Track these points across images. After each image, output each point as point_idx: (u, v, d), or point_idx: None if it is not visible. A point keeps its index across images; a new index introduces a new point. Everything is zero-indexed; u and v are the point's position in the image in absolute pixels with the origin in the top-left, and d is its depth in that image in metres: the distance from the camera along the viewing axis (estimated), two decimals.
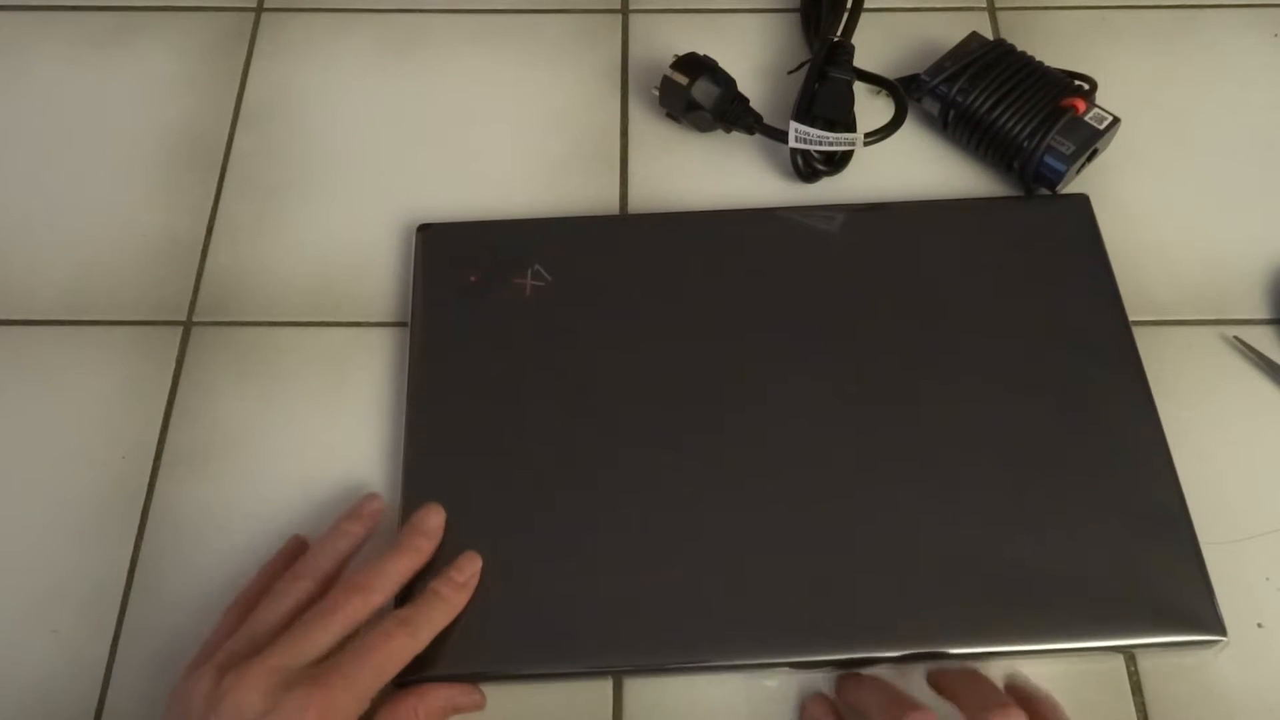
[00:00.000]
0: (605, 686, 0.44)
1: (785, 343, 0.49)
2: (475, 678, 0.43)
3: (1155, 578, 0.43)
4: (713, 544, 0.44)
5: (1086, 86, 0.55)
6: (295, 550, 0.45)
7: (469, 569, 0.43)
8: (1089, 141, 0.52)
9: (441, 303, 0.50)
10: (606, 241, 0.52)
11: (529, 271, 0.50)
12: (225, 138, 0.57)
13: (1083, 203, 0.53)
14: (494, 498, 0.45)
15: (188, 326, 0.52)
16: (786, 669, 0.43)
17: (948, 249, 0.51)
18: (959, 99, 0.54)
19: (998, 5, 0.62)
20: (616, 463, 0.46)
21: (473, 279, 0.50)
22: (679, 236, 0.52)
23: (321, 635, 0.38)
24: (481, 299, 0.50)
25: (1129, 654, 0.44)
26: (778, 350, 0.48)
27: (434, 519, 0.44)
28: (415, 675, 0.41)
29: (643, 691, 0.44)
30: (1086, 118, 0.53)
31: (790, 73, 0.58)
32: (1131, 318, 0.49)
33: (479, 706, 0.42)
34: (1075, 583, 0.43)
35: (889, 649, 0.42)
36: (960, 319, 0.49)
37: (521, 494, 0.45)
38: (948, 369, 0.48)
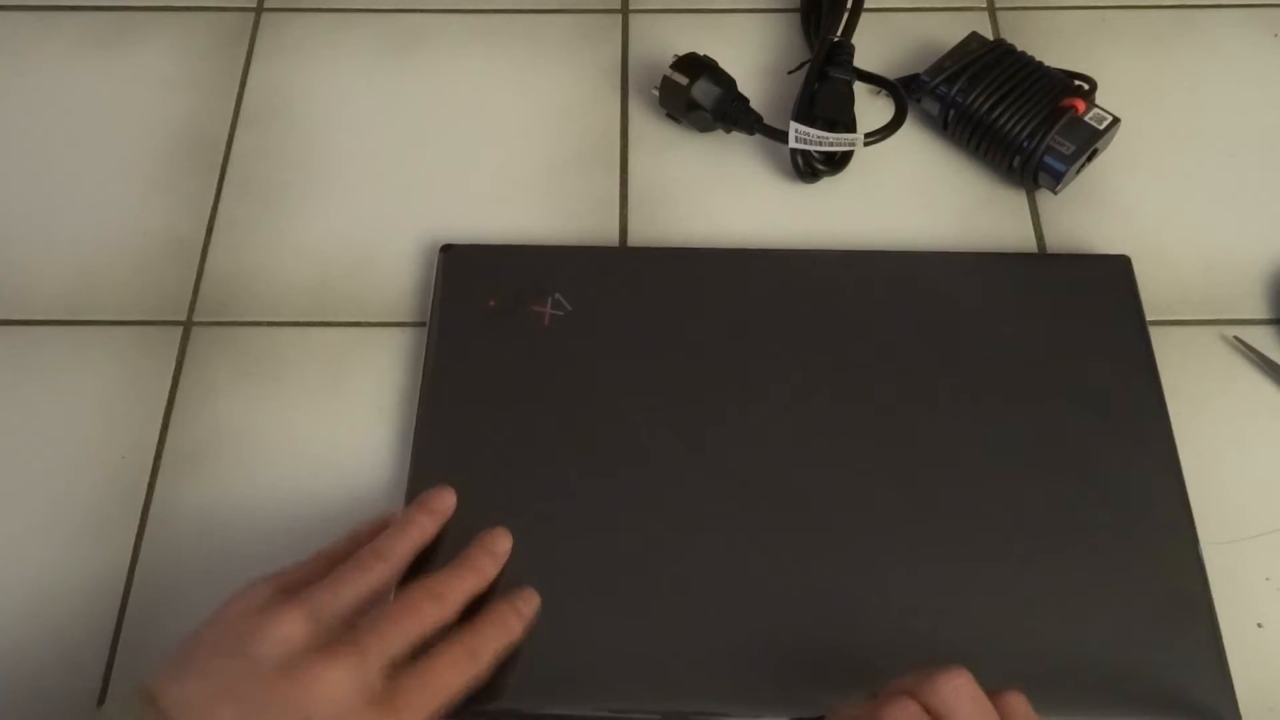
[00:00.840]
0: None
1: (805, 393, 0.47)
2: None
3: (1175, 670, 0.42)
4: (712, 589, 0.43)
5: (1086, 86, 0.55)
6: (383, 526, 0.44)
7: (532, 603, 0.43)
8: (1089, 141, 0.52)
9: (460, 325, 0.50)
10: (629, 274, 0.51)
11: (549, 300, 0.50)
12: (225, 138, 0.57)
13: (1123, 265, 0.51)
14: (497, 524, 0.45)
15: (188, 326, 0.52)
16: None
17: (978, 305, 0.50)
18: (959, 99, 0.54)
19: (998, 5, 0.62)
20: (631, 501, 0.45)
21: (492, 303, 0.50)
22: (707, 274, 0.51)
23: (398, 638, 0.38)
24: (500, 324, 0.50)
25: None
26: (797, 400, 0.47)
27: (503, 542, 0.44)
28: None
29: None
30: (1086, 118, 0.53)
31: (790, 73, 0.58)
32: None
33: None
34: (1087, 667, 0.42)
35: None
36: (983, 378, 0.48)
37: (524, 525, 0.45)
38: (968, 431, 0.47)
